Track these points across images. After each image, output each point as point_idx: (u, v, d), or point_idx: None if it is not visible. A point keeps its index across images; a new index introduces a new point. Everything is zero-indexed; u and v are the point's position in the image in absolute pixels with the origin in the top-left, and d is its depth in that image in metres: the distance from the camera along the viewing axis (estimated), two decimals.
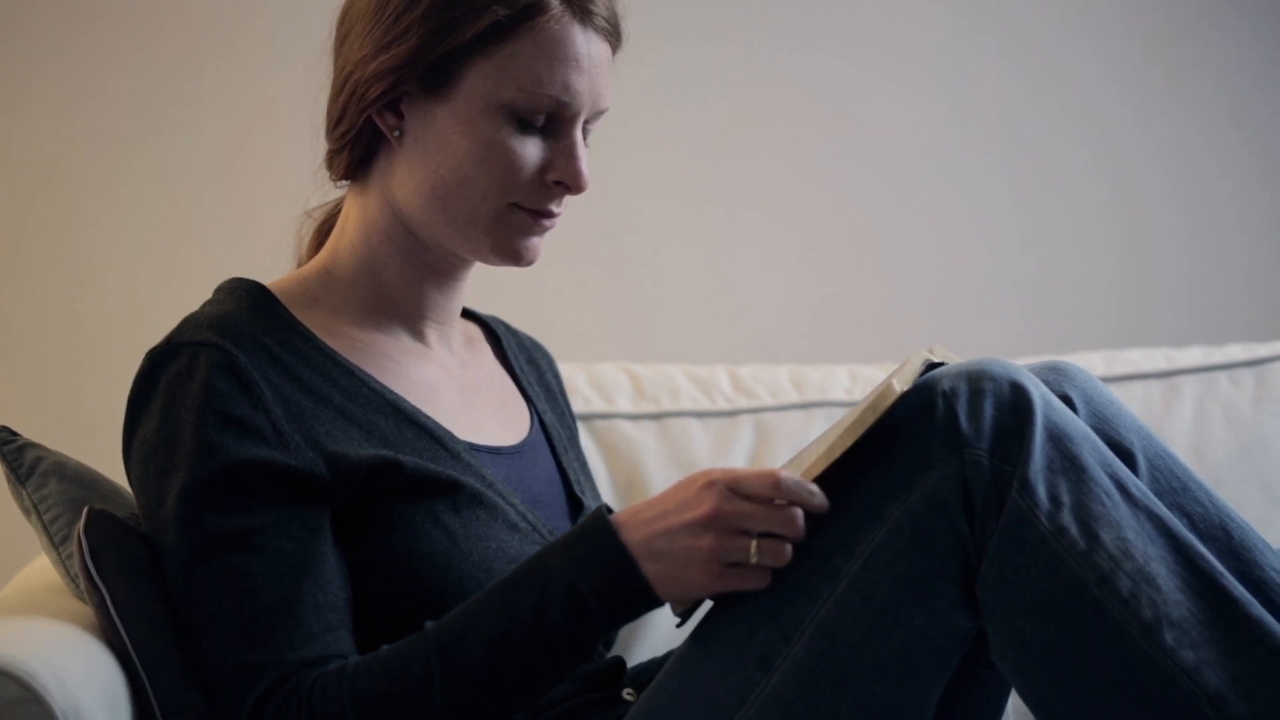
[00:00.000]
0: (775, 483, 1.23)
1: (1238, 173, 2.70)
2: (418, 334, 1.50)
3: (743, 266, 2.65)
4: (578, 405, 2.05)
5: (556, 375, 1.70)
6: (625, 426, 2.06)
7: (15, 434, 1.52)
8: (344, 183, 1.50)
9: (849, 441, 1.24)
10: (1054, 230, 2.69)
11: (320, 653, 1.29)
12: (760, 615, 1.26)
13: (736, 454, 2.06)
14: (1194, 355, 2.19)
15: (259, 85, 2.48)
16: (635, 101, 2.59)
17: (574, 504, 1.55)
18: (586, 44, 1.40)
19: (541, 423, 1.60)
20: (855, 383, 2.16)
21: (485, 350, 1.62)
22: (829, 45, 2.64)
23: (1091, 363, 2.18)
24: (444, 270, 1.49)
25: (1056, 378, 1.38)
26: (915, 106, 2.66)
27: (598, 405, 2.09)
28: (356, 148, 1.44)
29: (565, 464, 1.58)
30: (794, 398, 2.16)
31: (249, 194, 2.48)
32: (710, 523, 1.23)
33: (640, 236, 2.62)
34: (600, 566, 1.26)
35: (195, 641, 1.31)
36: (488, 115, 1.39)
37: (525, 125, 1.40)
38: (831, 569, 1.25)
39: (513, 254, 1.44)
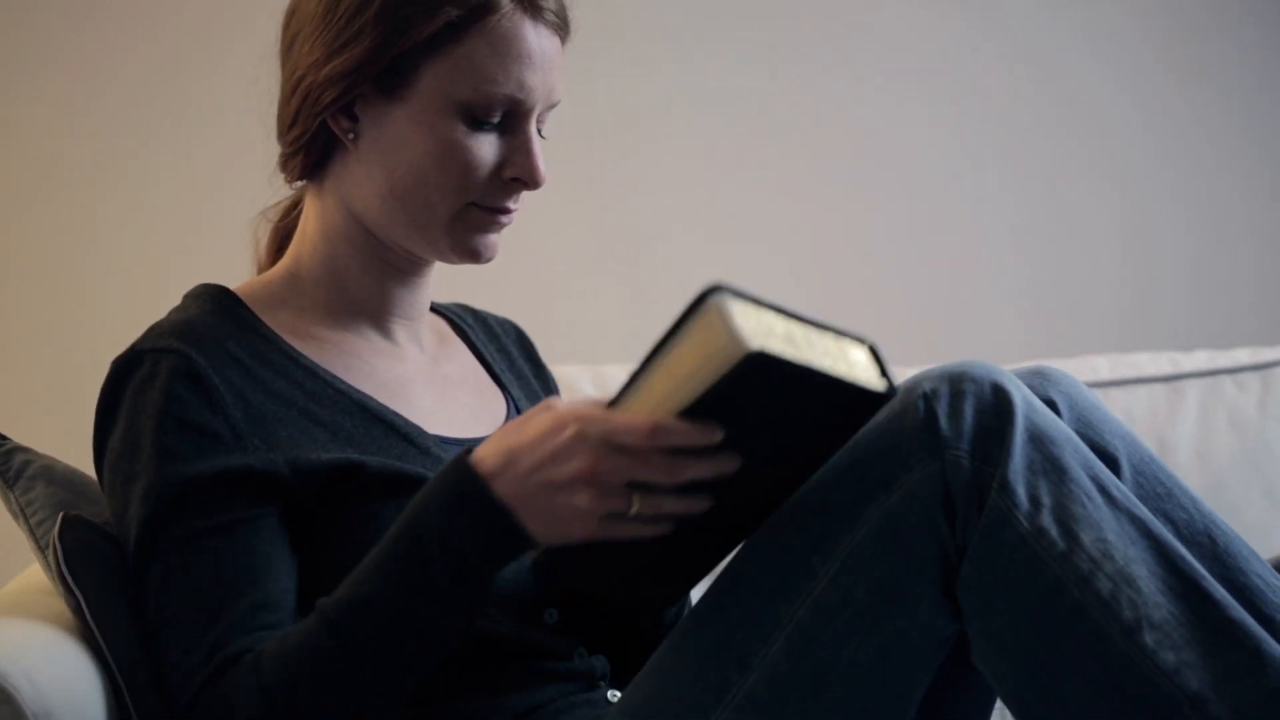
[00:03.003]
0: (652, 432, 1.14)
1: (1244, 176, 2.69)
2: (386, 332, 1.50)
3: (752, 270, 2.65)
4: None
5: (525, 350, 1.68)
6: None
7: (4, 437, 1.52)
8: (298, 184, 1.50)
9: (677, 382, 1.13)
10: (1060, 234, 2.68)
11: (240, 647, 1.28)
12: (738, 616, 1.26)
13: None
14: (1199, 359, 2.19)
15: (261, 90, 2.49)
16: (648, 112, 2.61)
17: None
18: (538, 39, 1.41)
19: (517, 410, 1.58)
20: None
21: (457, 343, 1.61)
22: (835, 54, 2.65)
23: (1097, 366, 2.18)
24: (406, 268, 1.49)
25: (1041, 382, 1.38)
26: (920, 111, 2.66)
27: None
28: (311, 151, 1.44)
29: None
30: None
31: (250, 198, 2.47)
32: (590, 480, 1.16)
33: (651, 241, 2.63)
34: (473, 520, 1.20)
35: (149, 641, 1.32)
36: (444, 115, 1.39)
37: (481, 123, 1.40)
38: (809, 570, 1.24)
39: (472, 253, 1.44)
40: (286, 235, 1.55)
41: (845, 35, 2.65)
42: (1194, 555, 1.28)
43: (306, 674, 1.24)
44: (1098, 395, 2.11)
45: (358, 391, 1.43)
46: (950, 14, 2.65)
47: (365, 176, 1.42)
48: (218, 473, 1.32)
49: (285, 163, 1.47)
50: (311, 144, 1.43)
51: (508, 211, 1.44)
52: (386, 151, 1.41)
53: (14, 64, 2.51)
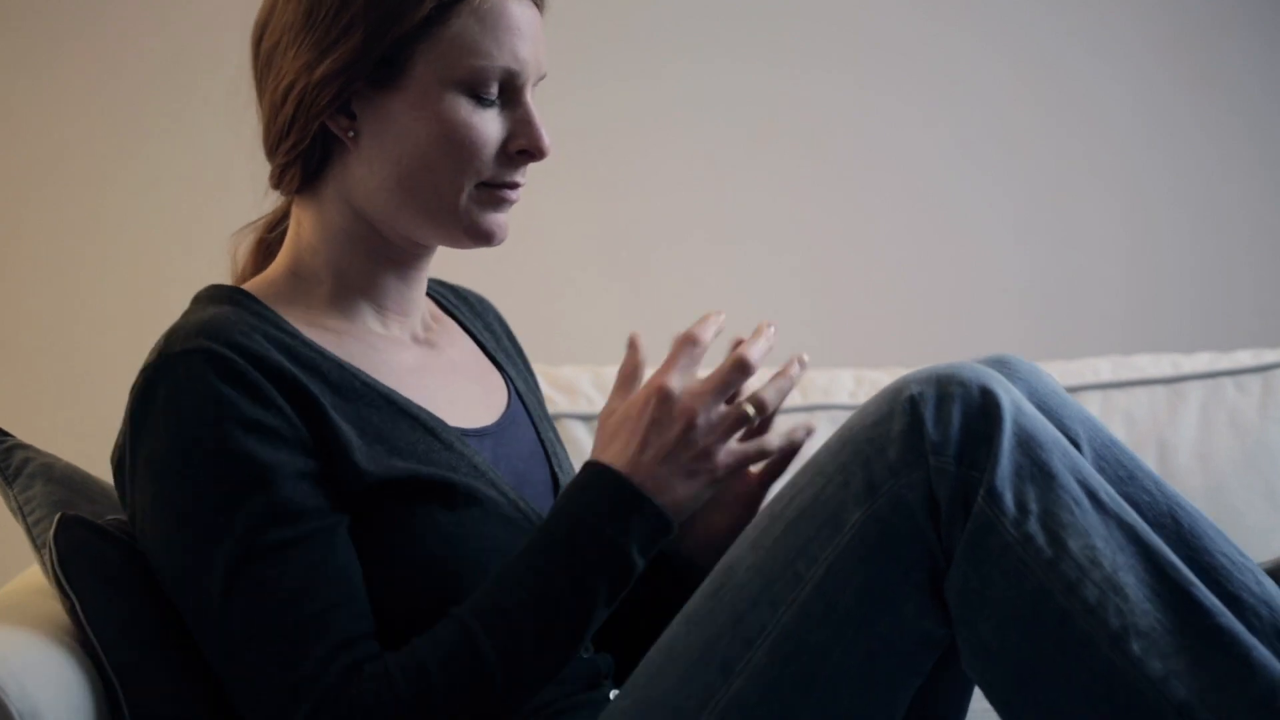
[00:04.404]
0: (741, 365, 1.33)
1: (1246, 178, 2.68)
2: (385, 326, 1.48)
3: (753, 271, 2.65)
4: (580, 406, 2.05)
5: (505, 328, 1.68)
6: None
7: (6, 435, 1.52)
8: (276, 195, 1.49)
9: None
10: (1062, 235, 2.68)
11: (354, 658, 1.28)
12: (724, 621, 1.26)
13: None
14: (1200, 361, 2.18)
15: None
16: (649, 113, 2.62)
17: (554, 479, 1.53)
18: (521, 10, 1.40)
19: (516, 391, 1.58)
20: (860, 386, 2.16)
21: (452, 326, 1.59)
22: (836, 54, 2.64)
23: (1098, 368, 2.18)
24: (407, 261, 1.47)
25: (1002, 371, 1.37)
26: (922, 114, 2.65)
27: (600, 405, 2.10)
28: (309, 160, 1.41)
29: (543, 434, 1.56)
30: (797, 400, 2.16)
31: (253, 198, 2.48)
32: (694, 428, 1.32)
33: (652, 241, 2.63)
34: (627, 517, 1.31)
35: (226, 661, 1.29)
36: (444, 97, 1.38)
37: (480, 100, 1.39)
38: (794, 575, 1.24)
39: (485, 234, 1.42)
40: (270, 247, 1.53)
41: (847, 36, 2.64)
42: (1159, 536, 1.26)
43: (461, 680, 1.27)
44: (1098, 396, 2.13)
45: (382, 385, 1.41)
46: (953, 16, 2.65)
47: (370, 173, 1.40)
48: (297, 473, 1.30)
49: (280, 176, 1.44)
50: (309, 152, 1.41)
51: (516, 186, 1.42)
52: (389, 143, 1.39)
53: (15, 62, 2.52)
